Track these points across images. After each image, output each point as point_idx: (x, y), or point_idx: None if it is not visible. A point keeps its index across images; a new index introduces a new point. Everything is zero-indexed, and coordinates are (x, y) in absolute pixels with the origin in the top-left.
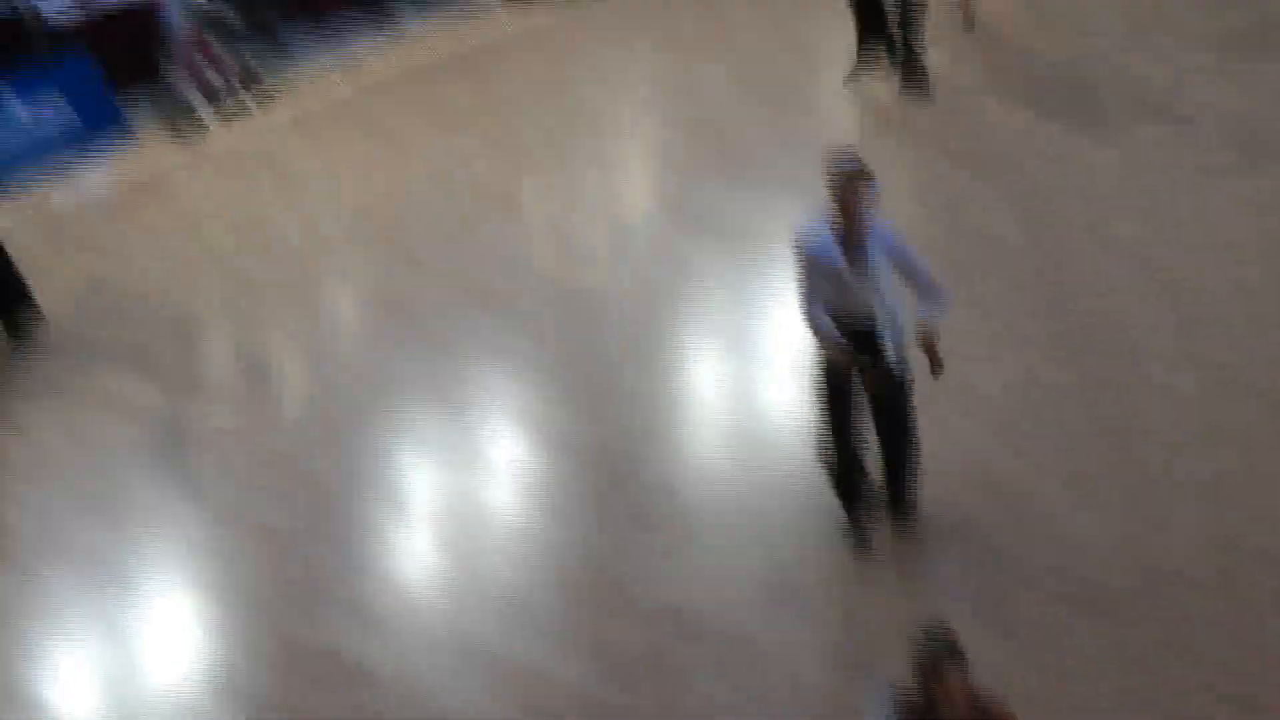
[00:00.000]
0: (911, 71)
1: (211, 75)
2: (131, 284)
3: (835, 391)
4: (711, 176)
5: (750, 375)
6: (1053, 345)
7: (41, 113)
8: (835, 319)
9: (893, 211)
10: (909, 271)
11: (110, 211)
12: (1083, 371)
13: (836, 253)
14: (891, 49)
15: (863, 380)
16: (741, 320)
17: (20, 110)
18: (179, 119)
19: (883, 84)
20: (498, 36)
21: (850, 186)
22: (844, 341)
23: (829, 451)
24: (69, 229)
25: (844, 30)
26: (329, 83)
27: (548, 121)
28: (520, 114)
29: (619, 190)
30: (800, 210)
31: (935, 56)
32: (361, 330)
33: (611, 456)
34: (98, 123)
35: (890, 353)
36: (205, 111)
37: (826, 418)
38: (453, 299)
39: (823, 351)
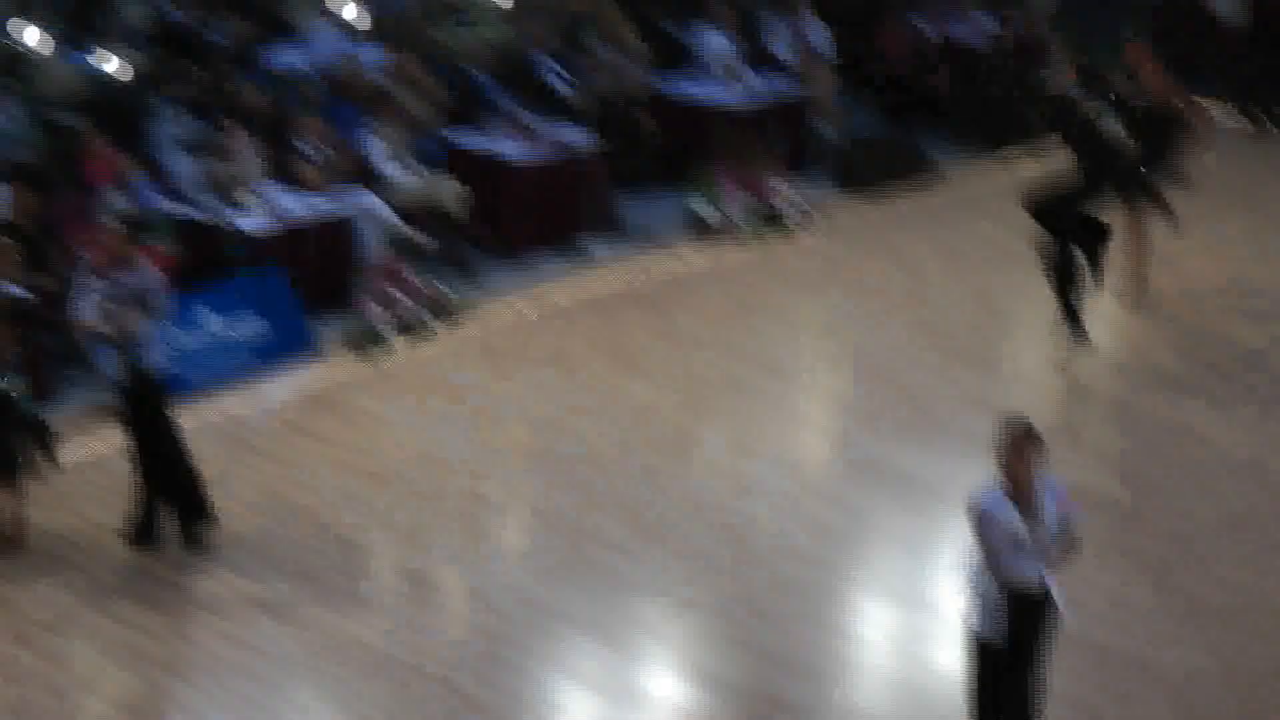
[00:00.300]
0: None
1: (401, 298)
2: (303, 495)
3: (991, 664)
4: (889, 428)
5: (916, 628)
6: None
7: (233, 324)
8: (1007, 583)
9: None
10: (1066, 527)
11: (290, 424)
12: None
13: (1012, 515)
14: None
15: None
16: (911, 573)
17: (212, 321)
18: (364, 338)
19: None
20: (682, 272)
21: (1021, 451)
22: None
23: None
24: (248, 438)
25: (1034, 286)
26: (513, 309)
27: (727, 361)
28: (699, 351)
29: (795, 436)
30: (977, 469)
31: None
32: (525, 555)
33: (772, 703)
34: (286, 337)
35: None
36: (391, 333)
37: (982, 691)
38: (619, 531)
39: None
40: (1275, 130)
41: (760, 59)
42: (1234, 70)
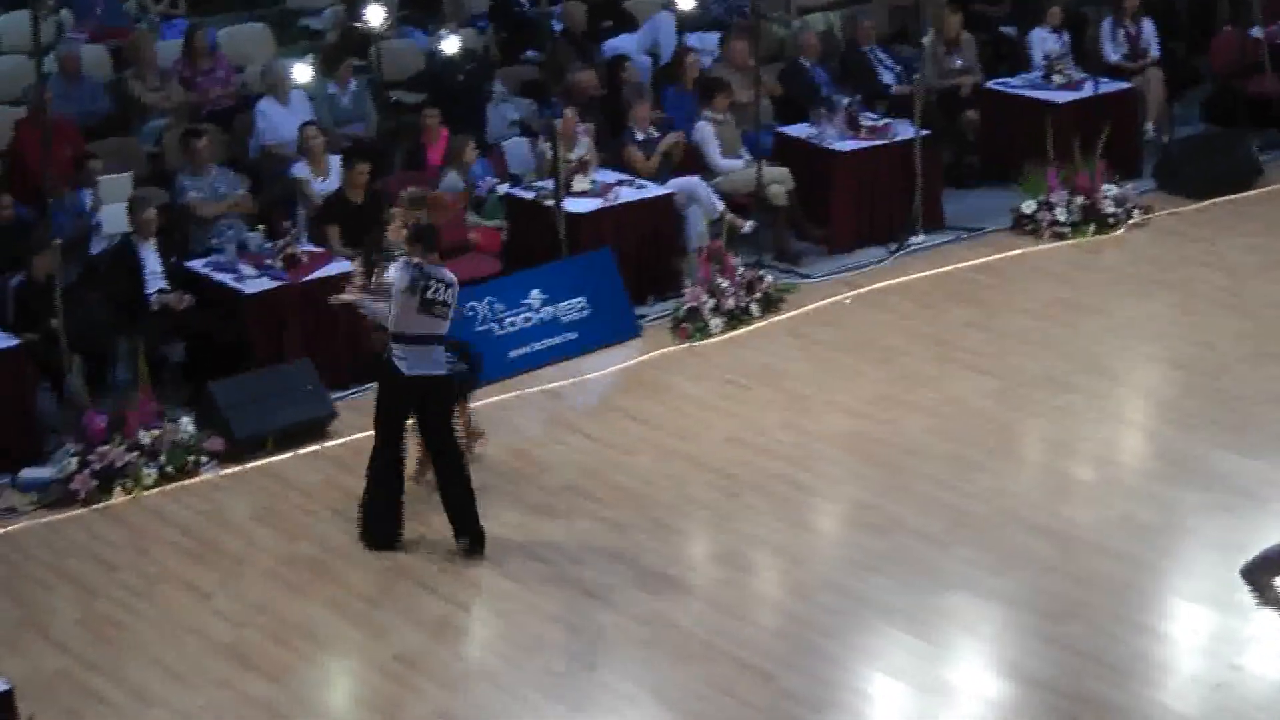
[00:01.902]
0: None
1: (723, 283)
2: (621, 475)
3: None
4: (1207, 430)
5: (1228, 631)
6: None
7: (560, 306)
8: None
9: None
10: None
11: (609, 404)
12: None
13: None
14: None
15: None
16: (1225, 576)
17: (541, 302)
18: (686, 321)
19: None
20: (1003, 266)
21: None
22: None
23: None
24: (569, 417)
25: None
26: (833, 297)
27: (1045, 357)
28: (1018, 346)
29: (1112, 435)
30: None
31: None
32: (839, 543)
33: (1080, 701)
34: (610, 319)
35: None
36: (712, 317)
37: None
38: (933, 524)
39: None
40: None
41: (1089, 58)
42: None
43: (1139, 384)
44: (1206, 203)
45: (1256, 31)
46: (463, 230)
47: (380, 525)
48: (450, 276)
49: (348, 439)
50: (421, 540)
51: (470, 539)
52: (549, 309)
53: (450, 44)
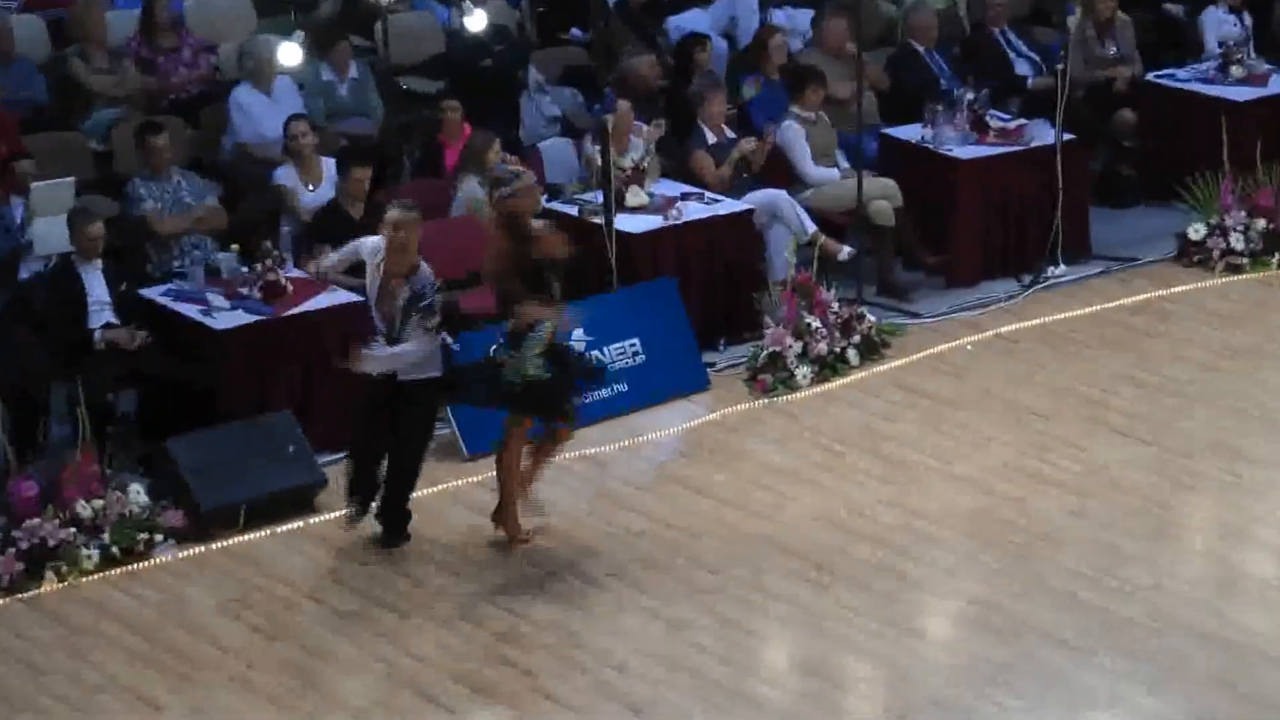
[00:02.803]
0: None
1: (813, 322)
2: (679, 561)
3: None
4: None
5: None
6: None
7: (609, 348)
8: None
9: None
10: None
11: (667, 473)
12: None
13: None
14: None
15: None
16: None
17: (584, 344)
18: (767, 369)
19: None
20: (1166, 305)
21: None
22: None
23: None
24: (616, 489)
25: None
26: (951, 341)
27: (1217, 417)
28: (1183, 404)
29: None
30: None
31: None
32: (951, 647)
33: None
34: (671, 365)
35: None
36: (799, 364)
37: None
38: (1069, 626)
39: None
40: None
41: (1277, 46)
42: None
43: None
44: None
45: None
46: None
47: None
48: None
49: (340, 513)
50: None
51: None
52: (595, 354)
53: (476, 20)
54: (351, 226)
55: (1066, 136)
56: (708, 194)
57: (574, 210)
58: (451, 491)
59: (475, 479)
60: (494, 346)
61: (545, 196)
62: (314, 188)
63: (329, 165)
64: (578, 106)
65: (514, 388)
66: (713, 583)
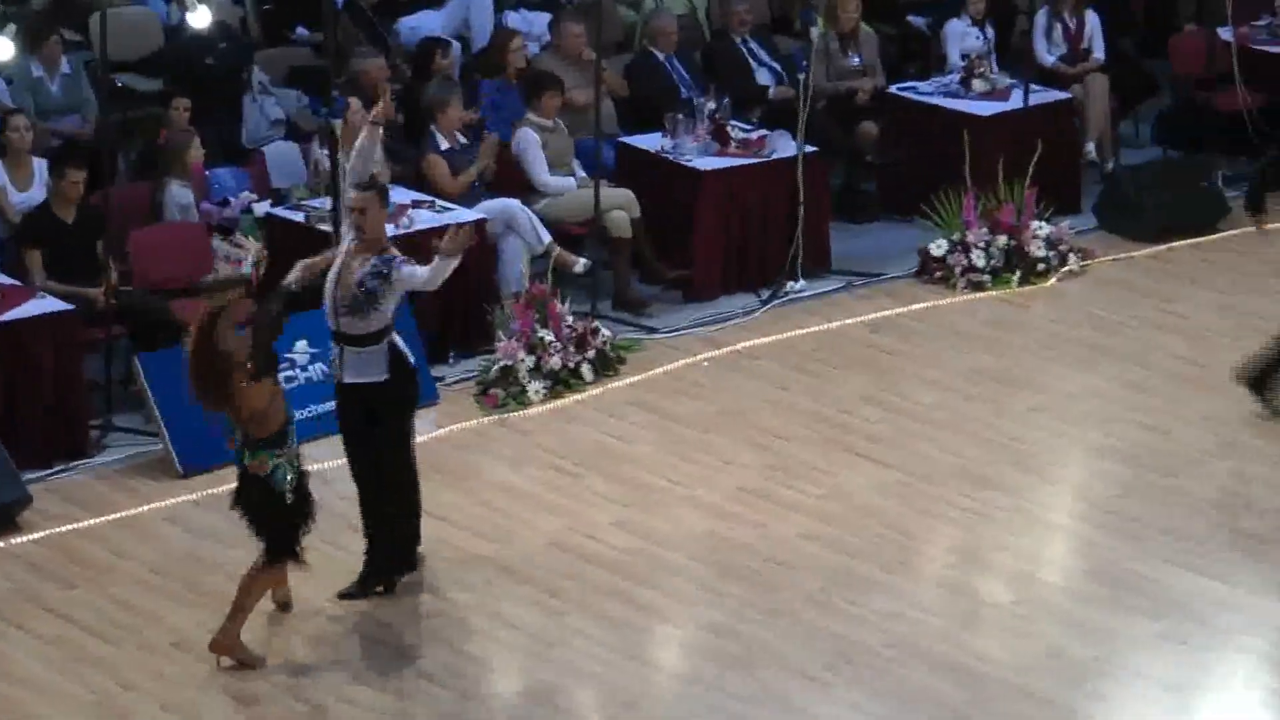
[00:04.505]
0: None
1: (548, 337)
2: (401, 586)
3: None
4: (1164, 546)
5: None
6: None
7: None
8: None
9: None
10: None
11: None
12: None
13: None
14: None
15: None
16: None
17: (308, 357)
18: (499, 385)
19: None
20: (908, 324)
21: None
22: None
23: None
24: (343, 511)
25: None
26: (689, 357)
27: (963, 447)
28: (925, 428)
29: (1039, 546)
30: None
31: None
32: (687, 679)
33: None
34: None
35: None
36: (533, 380)
37: None
38: (810, 658)
39: None
40: None
41: (1019, 59)
42: None
43: (1073, 480)
44: (1161, 247)
45: (1226, 33)
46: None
47: None
48: None
49: (46, 533)
50: None
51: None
52: (318, 366)
53: (199, 17)
54: (62, 231)
55: (808, 149)
56: (439, 202)
57: (300, 217)
58: (165, 510)
59: (191, 497)
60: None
61: (269, 202)
62: (23, 189)
63: (40, 166)
64: (303, 108)
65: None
66: (438, 607)
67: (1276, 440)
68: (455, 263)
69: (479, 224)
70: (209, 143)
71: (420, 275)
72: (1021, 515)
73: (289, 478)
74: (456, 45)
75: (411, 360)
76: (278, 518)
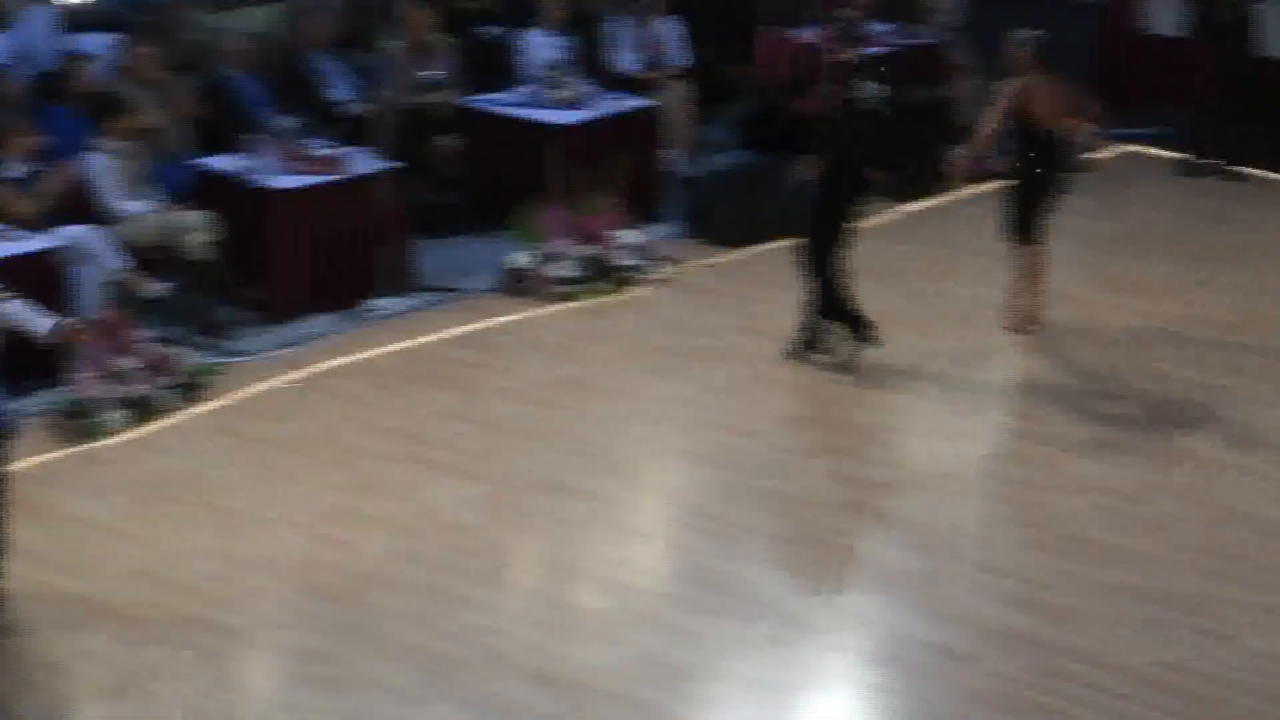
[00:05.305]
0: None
1: (125, 366)
2: None
3: None
4: (756, 548)
5: None
6: None
7: None
8: None
9: None
10: None
11: None
12: None
13: None
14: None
15: None
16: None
17: None
18: (76, 417)
19: None
20: (493, 338)
21: None
22: None
23: None
24: None
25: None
26: (273, 381)
27: (550, 457)
28: (512, 440)
29: (627, 552)
30: (851, 596)
31: None
32: (281, 705)
33: None
34: None
35: None
36: (111, 410)
37: None
38: (401, 675)
39: None
40: (1227, 165)
41: (600, 68)
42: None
43: (663, 486)
44: (746, 252)
45: (806, 34)
46: None
47: None
48: None
49: None
50: None
51: None
52: None
53: None
54: None
55: (386, 164)
56: (10, 230)
57: None
58: None
59: None
60: None
61: None
62: None
63: None
64: None
65: None
66: (22, 645)
67: (860, 438)
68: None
69: (52, 252)
70: None
71: None
72: (611, 522)
73: None
74: (24, 69)
75: None
76: None
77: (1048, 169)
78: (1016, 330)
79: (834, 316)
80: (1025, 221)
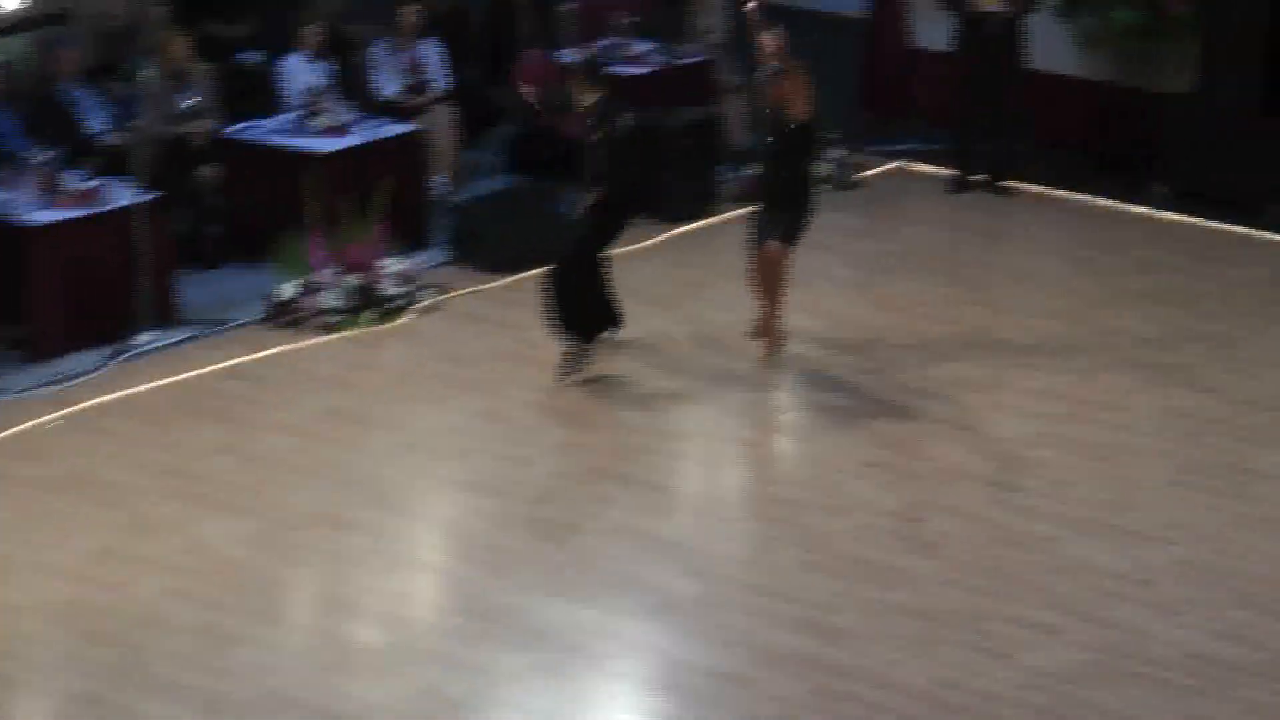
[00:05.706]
0: None
1: None
2: None
3: None
4: (532, 577)
5: None
6: None
7: None
8: None
9: None
10: None
11: None
12: None
13: None
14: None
15: None
16: None
17: None
18: None
19: None
20: (259, 371)
21: None
22: None
23: None
24: None
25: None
26: (29, 418)
27: (318, 488)
28: (281, 477)
29: (405, 586)
30: (634, 622)
31: None
32: None
33: None
34: None
35: None
36: None
37: None
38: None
39: None
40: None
41: (361, 93)
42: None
43: (437, 517)
44: (515, 277)
45: (568, 56)
46: None
47: None
48: None
49: None
50: None
51: None
52: None
53: None
54: None
55: (146, 196)
56: None
57: None
58: None
59: None
60: None
61: None
62: None
63: None
64: None
65: None
66: None
67: (634, 463)
68: None
69: None
70: None
71: None
72: (386, 555)
73: None
74: None
75: None
76: None
77: (794, 169)
78: (760, 337)
79: (586, 336)
80: (770, 225)
